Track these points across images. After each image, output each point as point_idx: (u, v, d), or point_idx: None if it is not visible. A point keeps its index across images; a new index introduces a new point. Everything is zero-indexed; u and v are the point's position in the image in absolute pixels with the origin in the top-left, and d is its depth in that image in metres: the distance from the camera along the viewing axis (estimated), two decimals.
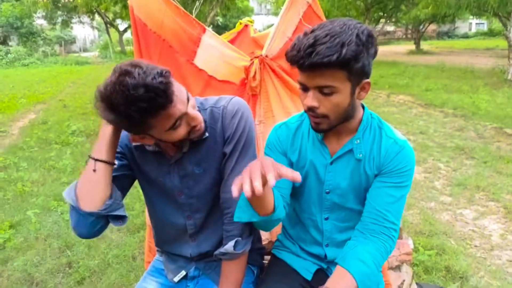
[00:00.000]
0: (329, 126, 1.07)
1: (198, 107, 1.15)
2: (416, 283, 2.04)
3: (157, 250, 1.44)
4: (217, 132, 1.16)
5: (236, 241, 1.16)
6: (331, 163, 1.17)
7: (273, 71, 1.54)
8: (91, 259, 2.80)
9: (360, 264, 1.05)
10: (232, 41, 1.98)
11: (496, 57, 16.36)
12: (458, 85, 9.72)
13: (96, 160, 1.05)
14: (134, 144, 1.17)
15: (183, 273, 1.33)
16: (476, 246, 2.91)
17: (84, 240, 3.03)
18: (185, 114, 1.01)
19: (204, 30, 1.57)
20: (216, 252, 1.20)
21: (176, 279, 1.33)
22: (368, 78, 1.04)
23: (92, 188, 1.04)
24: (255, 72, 1.51)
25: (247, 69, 1.53)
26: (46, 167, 4.86)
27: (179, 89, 0.99)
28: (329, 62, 0.93)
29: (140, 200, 3.74)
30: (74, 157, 5.25)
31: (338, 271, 1.06)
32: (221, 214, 1.21)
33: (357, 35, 0.94)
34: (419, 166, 4.57)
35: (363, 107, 1.17)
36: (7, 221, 3.36)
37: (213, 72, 1.55)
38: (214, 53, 1.56)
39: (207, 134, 1.15)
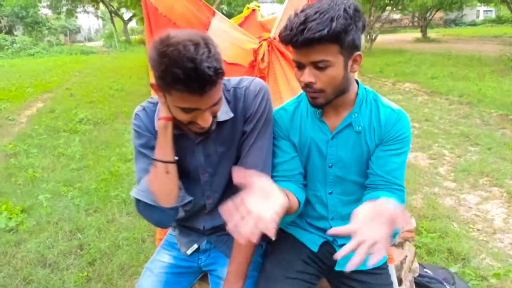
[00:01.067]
0: (326, 100, 1.13)
1: (222, 89, 1.16)
2: (419, 263, 2.10)
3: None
4: (239, 111, 1.20)
5: None
6: (332, 138, 1.22)
7: (281, 53, 1.58)
8: (102, 242, 2.88)
9: (394, 195, 1.13)
10: (240, 26, 2.01)
11: (503, 44, 16.18)
12: (464, 73, 9.66)
13: (167, 162, 1.13)
14: (156, 128, 1.18)
15: (195, 246, 1.39)
16: (478, 229, 2.95)
17: (94, 224, 3.12)
18: (200, 110, 1.03)
19: (213, 13, 1.62)
20: None
21: (189, 252, 1.39)
22: (359, 50, 1.10)
23: (168, 187, 1.15)
24: (264, 55, 1.56)
25: (255, 52, 1.57)
26: (56, 154, 4.95)
27: (217, 92, 1.02)
28: (321, 36, 0.98)
29: None
30: (82, 144, 5.34)
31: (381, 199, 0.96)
32: (236, 190, 1.25)
33: (345, 9, 1.00)
34: (424, 153, 4.61)
35: (357, 82, 1.22)
36: (19, 205, 3.45)
37: (222, 55, 1.59)
38: (223, 36, 1.60)
39: (231, 115, 1.19)
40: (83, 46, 26.05)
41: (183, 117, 1.04)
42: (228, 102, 1.20)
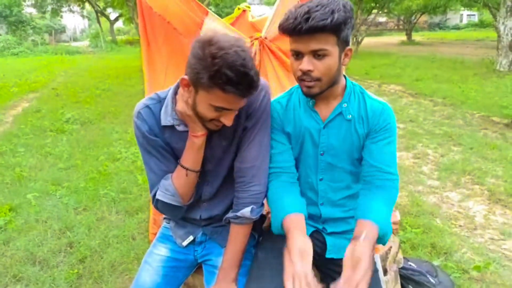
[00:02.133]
0: (320, 90, 1.21)
1: None
2: (403, 257, 2.17)
3: (164, 218, 1.54)
4: (242, 108, 1.24)
5: (251, 208, 1.27)
6: (324, 127, 1.30)
7: (272, 52, 1.64)
8: (92, 239, 2.89)
9: (378, 212, 1.17)
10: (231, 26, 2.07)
11: (486, 48, 16.57)
12: (448, 75, 9.88)
13: (197, 172, 1.26)
14: (163, 124, 1.25)
15: (190, 238, 1.44)
16: (460, 225, 3.05)
17: (84, 222, 3.13)
18: (230, 111, 1.11)
19: (206, 13, 1.66)
20: (229, 215, 1.31)
21: (184, 243, 1.44)
22: (349, 46, 1.19)
23: (190, 189, 1.29)
24: (255, 53, 1.61)
25: None
26: (43, 153, 4.92)
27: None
28: (324, 25, 1.07)
29: (137, 184, 3.83)
30: (70, 144, 5.31)
31: (360, 223, 1.15)
32: (233, 181, 1.32)
33: (343, 5, 1.10)
34: (408, 152, 4.72)
35: (344, 77, 1.31)
36: (6, 204, 3.42)
37: None
38: None
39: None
40: (68, 46, 25.72)
41: (210, 114, 1.11)
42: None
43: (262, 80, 1.29)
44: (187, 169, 1.23)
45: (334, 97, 1.29)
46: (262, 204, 1.33)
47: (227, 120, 1.12)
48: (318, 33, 1.10)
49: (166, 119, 1.24)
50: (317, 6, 1.08)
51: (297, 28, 1.09)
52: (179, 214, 1.38)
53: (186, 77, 1.09)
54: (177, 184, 1.25)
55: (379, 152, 1.26)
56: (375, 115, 1.27)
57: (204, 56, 1.00)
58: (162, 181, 1.28)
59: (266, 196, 1.34)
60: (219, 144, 1.29)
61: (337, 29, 1.10)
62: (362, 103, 1.29)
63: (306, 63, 1.15)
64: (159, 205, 1.31)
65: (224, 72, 0.98)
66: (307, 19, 1.07)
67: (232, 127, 1.25)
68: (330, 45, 1.13)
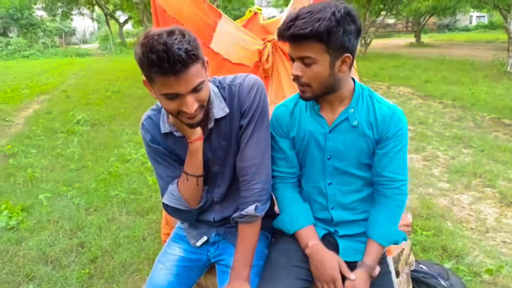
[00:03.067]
0: (313, 95, 1.23)
1: (217, 87, 1.27)
2: (415, 260, 2.16)
3: None
4: (235, 107, 1.27)
5: (256, 206, 1.28)
6: (330, 131, 1.30)
7: (285, 54, 1.65)
8: (103, 240, 2.91)
9: (380, 231, 1.30)
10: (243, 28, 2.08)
11: (496, 49, 16.42)
12: (457, 77, 9.81)
13: (198, 176, 1.29)
14: (163, 132, 1.29)
15: (204, 238, 1.45)
16: (472, 228, 3.03)
17: (95, 222, 3.16)
18: (180, 95, 1.08)
19: (220, 16, 1.68)
20: (235, 215, 1.32)
21: (198, 243, 1.45)
22: (349, 53, 1.17)
23: (198, 194, 1.33)
24: (268, 55, 1.62)
25: (260, 52, 1.64)
26: (54, 155, 4.98)
27: (194, 75, 1.06)
28: (303, 34, 1.09)
29: (147, 185, 3.86)
30: (80, 145, 5.36)
31: (368, 243, 1.32)
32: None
33: (333, 13, 1.09)
34: (418, 155, 4.69)
35: (353, 80, 1.30)
36: (19, 204, 3.47)
37: (227, 56, 1.66)
38: (229, 37, 1.66)
39: (226, 111, 1.26)
40: (78, 48, 25.99)
41: (170, 106, 1.11)
42: (224, 99, 1.27)
43: (254, 77, 1.31)
44: (187, 173, 1.27)
45: (340, 102, 1.28)
46: (267, 200, 1.34)
47: (186, 107, 1.09)
48: (301, 41, 1.12)
49: (164, 127, 1.29)
50: (307, 12, 1.10)
51: (281, 34, 1.14)
52: (189, 218, 1.40)
53: (144, 78, 1.13)
54: (181, 188, 1.30)
55: (390, 161, 1.27)
56: (385, 120, 1.26)
57: (137, 50, 1.04)
58: (169, 186, 1.32)
59: (270, 193, 1.38)
60: (219, 145, 1.30)
61: (320, 37, 1.10)
62: (371, 108, 1.28)
63: (295, 68, 1.19)
64: (168, 209, 1.34)
65: (147, 56, 1.00)
66: (289, 27, 1.10)
67: (228, 127, 1.28)
68: (316, 53, 1.14)
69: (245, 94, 1.26)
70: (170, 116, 1.24)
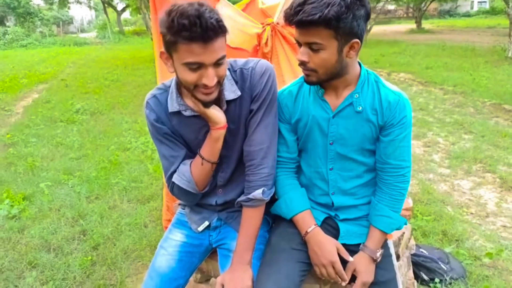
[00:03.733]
0: (318, 80, 1.20)
1: (229, 70, 1.26)
2: (415, 244, 2.17)
3: (179, 204, 1.56)
4: (246, 91, 1.27)
5: (263, 190, 1.29)
6: (333, 116, 1.28)
7: (284, 37, 1.63)
8: (104, 227, 2.93)
9: (383, 218, 1.31)
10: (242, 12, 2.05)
11: (497, 35, 16.29)
12: (458, 63, 9.76)
13: (213, 163, 1.30)
14: (171, 111, 1.28)
15: (206, 223, 1.45)
16: (472, 213, 3.04)
17: (96, 210, 3.17)
18: (203, 66, 1.08)
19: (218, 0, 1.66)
20: (241, 198, 1.32)
21: (200, 228, 1.46)
22: (358, 38, 1.14)
23: (208, 178, 1.34)
24: (267, 39, 1.60)
25: (259, 36, 1.62)
26: (54, 144, 4.98)
27: (219, 47, 1.08)
28: (312, 20, 1.05)
29: (148, 173, 3.86)
30: (80, 134, 5.36)
31: (370, 230, 1.33)
32: (244, 165, 1.33)
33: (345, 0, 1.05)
34: (419, 141, 4.68)
35: (360, 65, 1.28)
36: (20, 193, 3.48)
37: (227, 40, 1.64)
38: (228, 21, 1.61)
39: (238, 93, 1.26)
40: (76, 37, 25.77)
41: (190, 77, 1.10)
42: (236, 82, 1.26)
43: (266, 63, 1.30)
44: (203, 158, 1.27)
45: (344, 87, 1.26)
46: (273, 185, 1.35)
47: (207, 80, 1.09)
48: (309, 27, 1.09)
49: (172, 106, 1.27)
50: None
51: (288, 19, 1.11)
52: (193, 200, 1.40)
53: (162, 50, 1.13)
54: (194, 171, 1.29)
55: (395, 149, 1.26)
56: (390, 107, 1.23)
57: (164, 17, 1.05)
58: (181, 166, 1.31)
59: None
60: (228, 128, 1.29)
61: (328, 24, 1.06)
62: (377, 93, 1.25)
63: (301, 54, 1.16)
64: (174, 189, 1.33)
65: (178, 21, 1.01)
66: (298, 12, 1.07)
67: (238, 110, 1.28)
68: (324, 39, 1.10)
69: (257, 79, 1.25)
70: (187, 97, 1.24)
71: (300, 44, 1.17)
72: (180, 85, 1.25)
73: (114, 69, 11.29)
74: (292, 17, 1.09)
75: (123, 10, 29.19)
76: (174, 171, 1.32)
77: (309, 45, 1.13)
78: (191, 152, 1.35)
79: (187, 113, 1.26)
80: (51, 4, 28.91)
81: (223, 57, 1.10)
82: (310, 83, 1.23)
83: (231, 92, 1.25)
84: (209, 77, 1.09)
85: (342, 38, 1.11)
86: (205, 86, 1.11)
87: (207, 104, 1.18)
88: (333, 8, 1.04)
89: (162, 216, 1.92)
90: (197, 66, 1.07)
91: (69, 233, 2.88)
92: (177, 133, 1.32)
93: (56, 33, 28.05)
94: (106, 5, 28.18)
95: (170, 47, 1.09)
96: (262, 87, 1.26)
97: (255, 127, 1.28)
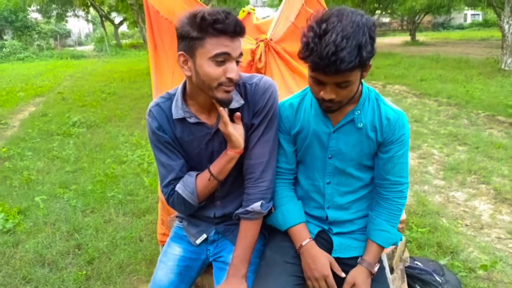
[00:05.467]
0: (339, 107, 1.22)
1: None
2: (410, 257, 2.18)
3: (177, 217, 1.57)
4: (248, 105, 1.30)
5: (261, 203, 1.31)
6: (334, 131, 1.30)
7: (277, 53, 1.66)
8: (100, 241, 2.91)
9: (381, 233, 1.32)
10: None
11: (490, 47, 16.50)
12: (452, 75, 9.86)
13: (219, 181, 1.32)
14: (175, 117, 1.30)
15: (204, 236, 1.47)
16: (466, 225, 3.05)
17: (92, 224, 3.16)
18: (232, 57, 1.15)
19: None
20: (239, 210, 1.34)
21: (198, 241, 1.47)
22: (370, 61, 1.15)
23: (209, 193, 1.37)
24: (261, 55, 1.63)
25: (253, 52, 1.65)
26: (50, 157, 4.97)
27: (240, 46, 1.17)
28: (353, 66, 1.05)
29: (144, 186, 3.86)
30: (76, 147, 5.36)
31: (368, 244, 1.35)
32: (243, 178, 1.36)
33: (370, 35, 1.05)
34: (413, 152, 4.71)
35: (362, 82, 1.29)
36: (15, 207, 3.46)
37: None
38: None
39: (242, 102, 1.29)
40: (73, 50, 25.87)
41: (215, 71, 1.14)
42: (240, 94, 1.30)
43: (269, 79, 1.34)
44: (211, 174, 1.30)
45: (347, 104, 1.27)
46: (271, 199, 1.37)
47: (232, 72, 1.15)
48: (346, 72, 1.06)
49: (177, 113, 1.30)
50: (343, 40, 1.01)
51: (325, 69, 1.06)
52: (189, 211, 1.42)
53: (181, 52, 1.18)
54: (199, 184, 1.32)
55: (393, 165, 1.29)
56: (390, 124, 1.26)
57: (191, 17, 1.13)
58: (186, 176, 1.34)
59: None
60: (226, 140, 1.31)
61: (364, 65, 1.09)
62: (377, 110, 1.28)
63: (329, 93, 1.14)
64: (174, 197, 1.34)
65: (209, 16, 1.10)
66: (335, 62, 1.02)
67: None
68: (354, 76, 1.12)
69: (259, 94, 1.29)
70: (192, 105, 1.30)
71: (321, 83, 1.14)
72: (185, 93, 1.29)
73: (111, 82, 11.32)
74: (329, 68, 1.04)
75: (121, 23, 29.42)
76: (172, 180, 1.34)
77: (339, 84, 1.12)
78: (191, 162, 1.37)
79: (192, 120, 1.29)
80: (49, 17, 29.10)
81: (241, 56, 1.19)
82: (331, 112, 1.24)
83: (235, 101, 1.28)
84: (234, 71, 1.15)
85: (364, 67, 1.13)
86: (230, 80, 1.16)
87: (225, 104, 1.22)
88: (367, 49, 1.05)
89: (157, 230, 1.92)
90: (223, 59, 1.14)
91: (64, 247, 2.87)
92: (178, 142, 1.34)
93: (54, 47, 28.17)
94: (103, 18, 28.37)
95: (193, 46, 1.14)
96: (264, 103, 1.29)
97: (256, 141, 1.31)
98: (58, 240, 2.96)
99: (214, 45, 1.12)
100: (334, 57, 1.02)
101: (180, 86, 1.32)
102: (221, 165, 1.29)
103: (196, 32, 1.11)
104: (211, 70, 1.14)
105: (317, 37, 1.05)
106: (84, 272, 2.55)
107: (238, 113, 1.26)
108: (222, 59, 1.13)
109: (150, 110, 1.34)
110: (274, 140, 1.34)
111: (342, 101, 1.18)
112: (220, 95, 1.18)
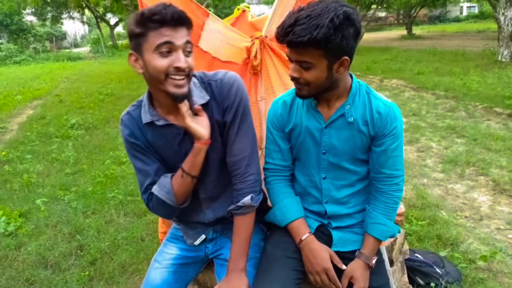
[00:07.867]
0: (309, 94, 1.25)
1: (198, 80, 1.30)
2: (410, 249, 2.20)
3: (174, 220, 1.57)
4: (215, 102, 1.29)
5: (251, 196, 1.31)
6: (326, 127, 1.31)
7: (273, 50, 1.67)
8: (101, 242, 2.93)
9: (377, 226, 1.33)
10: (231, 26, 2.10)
11: (487, 39, 16.49)
12: (449, 68, 9.87)
13: (193, 176, 1.30)
14: (144, 122, 1.30)
15: (203, 237, 1.47)
16: (466, 216, 3.07)
17: (93, 225, 3.17)
18: (176, 46, 1.13)
19: (207, 15, 1.69)
20: (231, 207, 1.34)
21: (197, 242, 1.47)
22: (347, 55, 1.17)
23: (187, 192, 1.34)
24: (256, 52, 1.64)
25: (248, 50, 1.65)
26: (49, 159, 4.97)
27: (187, 35, 1.16)
28: (301, 42, 1.09)
29: None
30: (75, 149, 5.37)
31: (365, 237, 1.36)
32: (229, 179, 1.35)
33: (331, 19, 1.07)
34: (412, 146, 4.73)
35: (351, 76, 1.31)
36: (16, 210, 3.47)
37: (216, 54, 1.68)
38: (217, 36, 1.68)
39: (207, 98, 1.28)
40: (69, 52, 25.81)
41: (161, 63, 1.13)
42: (206, 91, 1.30)
43: (234, 74, 1.34)
44: (183, 170, 1.28)
45: (336, 98, 1.29)
46: (260, 192, 1.37)
47: (179, 61, 1.13)
48: (299, 47, 1.12)
49: (146, 117, 1.30)
50: (306, 17, 1.08)
51: (279, 39, 1.15)
52: (171, 214, 1.42)
53: (131, 51, 1.19)
54: (174, 183, 1.30)
55: (387, 158, 1.29)
56: (381, 118, 1.26)
57: (133, 16, 1.15)
58: (162, 178, 1.33)
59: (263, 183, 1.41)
60: None
61: (318, 45, 1.10)
62: (368, 104, 1.29)
63: (292, 70, 1.21)
64: (153, 200, 1.33)
65: (148, 11, 1.11)
66: (288, 33, 1.10)
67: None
68: (314, 58, 1.14)
69: (226, 90, 1.28)
70: (160, 108, 1.28)
71: (291, 60, 1.21)
72: (152, 96, 1.29)
73: (108, 83, 11.31)
74: (283, 37, 1.13)
75: (116, 24, 29.32)
76: (149, 185, 1.34)
77: (300, 63, 1.17)
78: (168, 165, 1.36)
79: (160, 122, 1.28)
80: (44, 20, 29.04)
81: (191, 43, 1.17)
82: (301, 96, 1.27)
83: (200, 97, 1.28)
84: (181, 60, 1.14)
85: (331, 56, 1.14)
86: (178, 70, 1.14)
87: (179, 98, 1.19)
88: (322, 30, 1.06)
89: (158, 228, 1.93)
90: (168, 49, 1.13)
91: (66, 249, 2.88)
92: (152, 147, 1.34)
93: (50, 49, 28.09)
94: (99, 19, 28.30)
95: (139, 42, 1.15)
96: (233, 98, 1.29)
97: (234, 138, 1.31)
98: (60, 242, 2.97)
99: (155, 37, 1.12)
100: (289, 28, 1.10)
101: (146, 92, 1.31)
102: (190, 159, 1.28)
103: (139, 28, 1.12)
104: (157, 62, 1.13)
105: (292, 13, 1.13)
106: (87, 273, 2.56)
107: (197, 106, 1.25)
108: (166, 49, 1.12)
109: (121, 119, 1.35)
110: (252, 133, 1.35)
111: (309, 85, 1.20)
112: (171, 88, 1.16)
